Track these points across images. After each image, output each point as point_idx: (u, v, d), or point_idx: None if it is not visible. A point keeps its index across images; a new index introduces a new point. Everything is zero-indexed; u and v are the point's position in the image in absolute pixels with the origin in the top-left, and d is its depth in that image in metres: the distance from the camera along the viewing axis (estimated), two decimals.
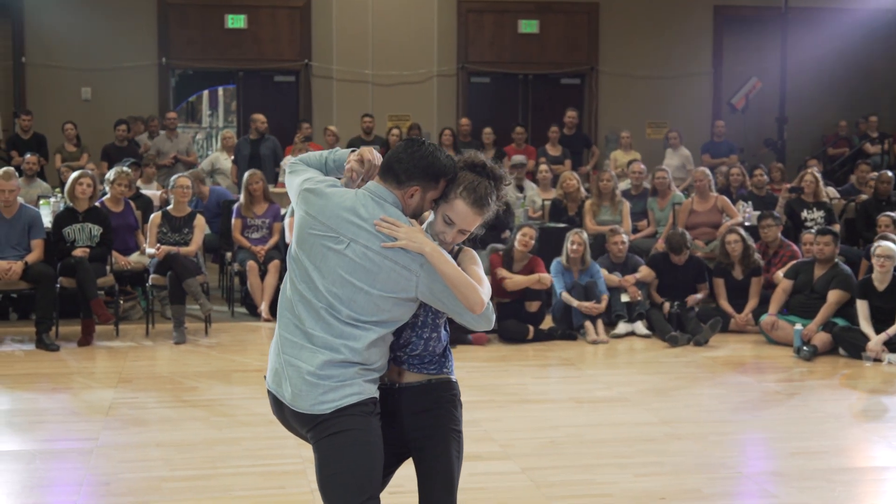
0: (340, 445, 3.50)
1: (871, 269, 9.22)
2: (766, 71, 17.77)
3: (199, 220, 9.99)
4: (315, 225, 3.55)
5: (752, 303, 10.02)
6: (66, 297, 9.38)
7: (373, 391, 3.56)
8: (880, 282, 8.99)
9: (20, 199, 9.49)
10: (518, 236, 9.58)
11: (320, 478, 3.56)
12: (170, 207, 10.04)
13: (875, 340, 8.73)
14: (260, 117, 14.01)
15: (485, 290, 3.51)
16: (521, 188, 12.69)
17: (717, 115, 17.41)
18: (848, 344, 8.95)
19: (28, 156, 12.55)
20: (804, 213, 11.42)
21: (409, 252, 3.45)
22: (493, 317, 3.61)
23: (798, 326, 9.12)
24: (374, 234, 3.49)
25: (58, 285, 9.26)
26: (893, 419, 7.52)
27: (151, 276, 9.69)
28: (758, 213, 11.08)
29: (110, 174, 10.29)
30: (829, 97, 18.00)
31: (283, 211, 10.62)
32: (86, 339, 9.18)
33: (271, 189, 11.57)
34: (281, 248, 10.43)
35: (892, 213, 10.51)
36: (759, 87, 17.29)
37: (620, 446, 6.40)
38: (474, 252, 3.69)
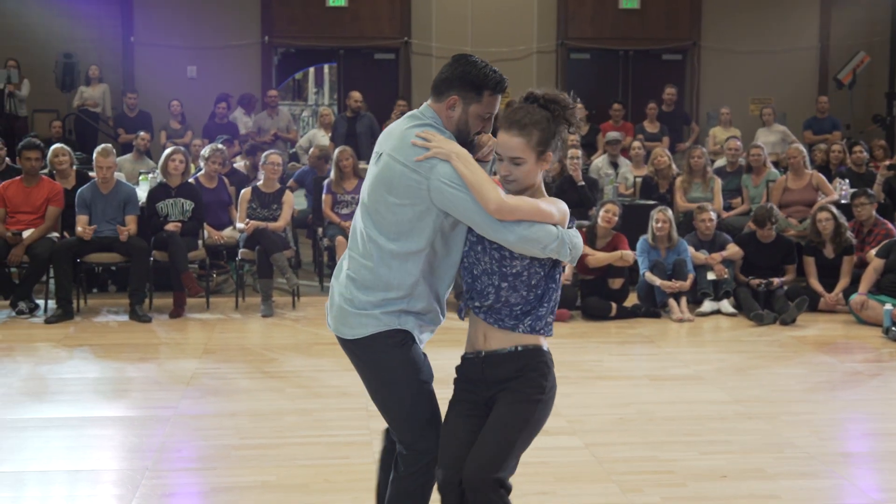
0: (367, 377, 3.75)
1: None
2: (874, 45, 17.31)
3: (288, 197, 10.17)
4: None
5: (843, 282, 9.81)
6: (160, 270, 9.67)
7: (397, 323, 3.61)
8: None
9: (118, 176, 9.79)
10: (601, 212, 9.54)
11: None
12: (260, 183, 10.24)
13: None
14: (355, 95, 14.17)
15: (544, 210, 3.46)
16: (615, 164, 12.62)
17: (823, 91, 17.04)
18: None
19: (141, 133, 12.92)
20: None
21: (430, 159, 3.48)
22: (553, 244, 3.47)
23: (888, 306, 8.91)
24: (400, 142, 3.55)
25: (151, 259, 9.55)
26: None
27: (241, 250, 9.91)
28: (854, 190, 10.83)
29: (205, 151, 10.54)
30: None
31: None
32: (177, 311, 9.44)
33: (362, 165, 11.71)
34: None
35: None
36: (867, 62, 16.83)
37: (689, 424, 6.36)
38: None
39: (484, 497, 3.46)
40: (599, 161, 12.84)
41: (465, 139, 3.65)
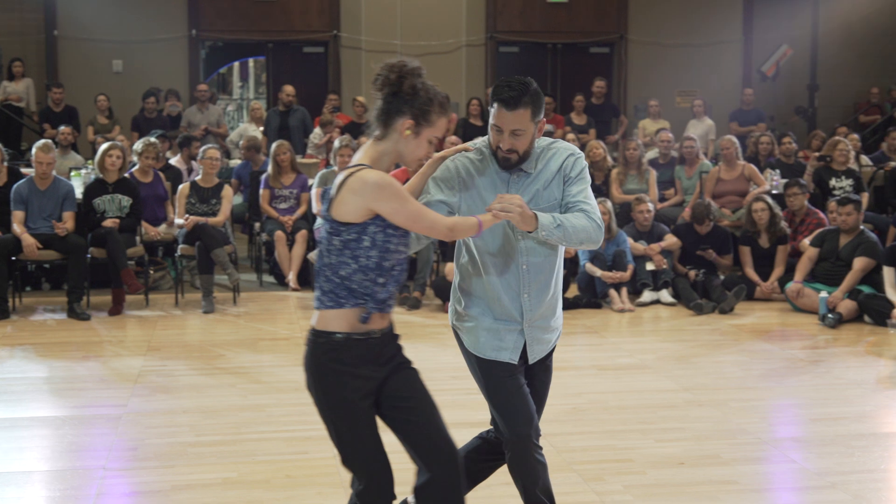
0: None
1: None
2: (796, 38, 17.67)
3: (227, 191, 10.09)
4: None
5: (778, 271, 10.01)
6: (97, 267, 9.54)
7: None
8: None
9: (54, 172, 9.62)
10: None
11: None
12: (198, 178, 10.14)
13: None
14: (288, 89, 14.10)
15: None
16: None
17: (747, 83, 17.33)
18: (873, 311, 8.94)
19: (62, 127, 12.71)
20: (832, 182, 11.35)
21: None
22: None
23: (823, 294, 9.11)
24: None
25: (88, 255, 9.41)
26: None
27: (180, 246, 9.81)
28: (785, 181, 11.05)
29: (138, 146, 10.41)
30: (861, 64, 17.83)
31: (310, 182, 10.69)
32: (116, 309, 9.32)
33: (299, 160, 11.67)
34: (309, 219, 10.52)
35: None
36: (789, 55, 17.20)
37: (642, 412, 6.44)
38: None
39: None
40: None
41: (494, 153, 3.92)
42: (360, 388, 3.51)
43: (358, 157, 3.57)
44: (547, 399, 4.22)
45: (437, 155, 3.91)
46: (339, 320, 3.49)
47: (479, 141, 3.98)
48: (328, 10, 16.81)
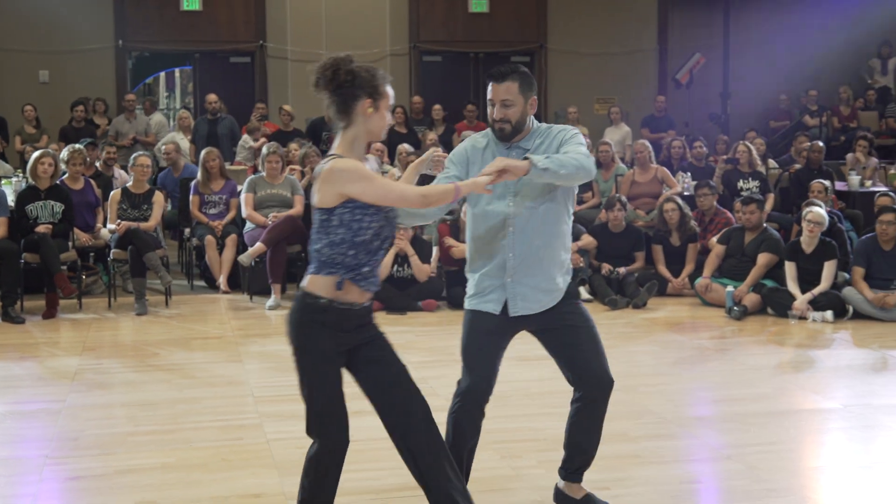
0: None
1: (800, 233, 9.75)
2: (710, 47, 18.30)
3: (158, 197, 10.36)
4: None
5: (689, 267, 10.53)
6: (31, 272, 9.73)
7: None
8: (808, 245, 9.52)
9: None
10: (464, 207, 9.99)
11: None
12: (129, 185, 10.39)
13: (800, 300, 9.26)
14: (212, 97, 14.37)
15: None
16: None
17: (663, 91, 17.93)
18: (775, 304, 9.48)
19: None
20: (740, 183, 11.93)
21: None
22: None
23: (730, 288, 9.64)
24: None
25: (22, 261, 9.61)
26: (812, 370, 8.02)
27: (113, 250, 10.06)
28: (695, 182, 11.59)
29: (64, 153, 10.60)
30: (772, 72, 18.53)
31: (238, 188, 10.99)
32: (50, 312, 9.53)
33: (228, 167, 11.96)
34: (238, 224, 10.81)
35: (823, 181, 11.04)
36: (702, 63, 17.81)
37: (560, 398, 6.76)
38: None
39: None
40: None
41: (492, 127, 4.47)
42: (335, 344, 3.99)
43: (333, 148, 4.02)
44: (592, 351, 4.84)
45: (415, 162, 4.55)
46: (322, 286, 3.97)
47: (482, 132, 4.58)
48: (254, 20, 17.08)
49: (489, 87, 4.42)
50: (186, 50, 17.30)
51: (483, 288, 4.55)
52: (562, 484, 4.92)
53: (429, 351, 8.22)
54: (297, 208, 10.43)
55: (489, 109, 4.45)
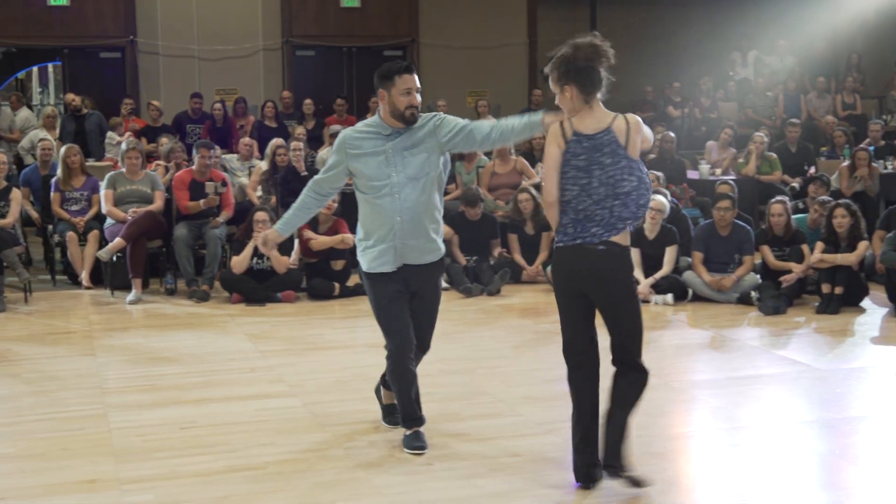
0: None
1: (644, 220, 10.18)
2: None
3: (16, 194, 10.38)
4: None
5: (542, 255, 10.91)
6: None
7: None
8: (650, 231, 9.96)
9: None
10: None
11: None
12: None
13: (643, 284, 9.69)
14: (70, 96, 14.40)
15: None
16: None
17: (534, 84, 18.35)
18: None
19: None
20: None
21: None
22: None
23: None
24: None
25: None
26: (645, 350, 8.39)
27: None
28: None
29: None
30: (638, 64, 19.07)
31: (101, 183, 11.04)
32: None
33: (97, 163, 12.02)
34: (100, 219, 10.87)
35: (655, 172, 11.46)
36: None
37: None
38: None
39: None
40: (324, 153, 13.52)
41: (402, 114, 5.23)
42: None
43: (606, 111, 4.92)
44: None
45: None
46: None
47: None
48: (123, 15, 17.02)
49: (403, 77, 5.19)
50: (55, 45, 17.17)
51: (379, 250, 5.39)
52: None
53: (282, 340, 8.45)
54: (158, 203, 10.55)
55: (404, 98, 5.18)
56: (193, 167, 10.58)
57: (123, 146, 10.72)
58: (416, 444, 5.64)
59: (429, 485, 5.20)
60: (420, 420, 5.73)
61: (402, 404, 5.69)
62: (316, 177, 5.61)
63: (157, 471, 5.39)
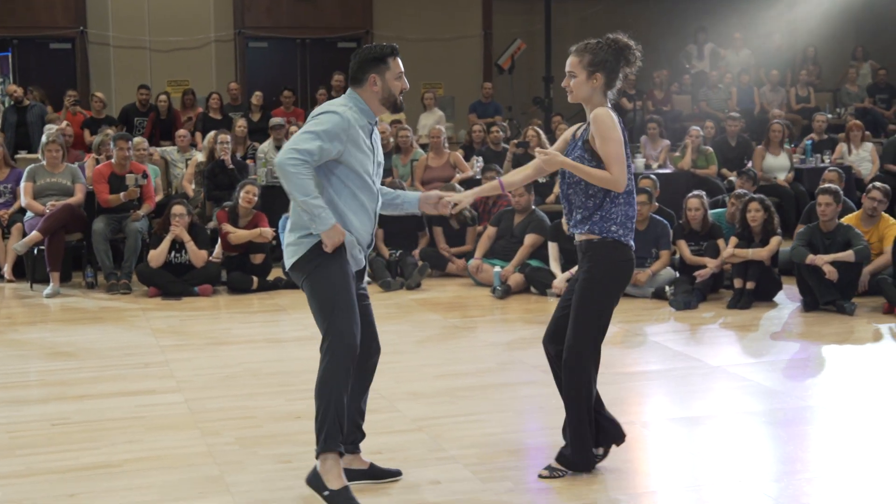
0: None
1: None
2: (533, 33, 18.76)
3: None
4: None
5: (467, 248, 10.89)
6: None
7: None
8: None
9: None
10: (242, 193, 10.21)
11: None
12: None
13: (560, 278, 9.68)
14: (12, 87, 14.36)
15: None
16: (278, 148, 13.29)
17: (488, 76, 18.33)
18: (537, 282, 9.90)
19: None
20: None
21: None
22: None
23: (497, 268, 10.02)
24: None
25: None
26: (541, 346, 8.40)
27: None
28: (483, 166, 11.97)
29: None
30: None
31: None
32: None
33: (22, 155, 11.97)
34: (24, 212, 10.83)
35: None
36: (523, 48, 18.23)
37: (287, 377, 7.14)
38: None
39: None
40: (265, 145, 13.47)
41: (395, 100, 4.92)
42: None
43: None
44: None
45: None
46: None
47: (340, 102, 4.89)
48: (73, 6, 16.96)
49: (396, 60, 4.91)
50: (4, 36, 17.09)
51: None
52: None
53: (186, 335, 8.44)
54: (78, 197, 10.52)
55: (398, 82, 4.89)
56: (112, 160, 10.54)
57: (44, 139, 10.69)
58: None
59: (280, 483, 5.19)
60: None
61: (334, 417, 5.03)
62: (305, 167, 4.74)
63: (13, 468, 5.37)
